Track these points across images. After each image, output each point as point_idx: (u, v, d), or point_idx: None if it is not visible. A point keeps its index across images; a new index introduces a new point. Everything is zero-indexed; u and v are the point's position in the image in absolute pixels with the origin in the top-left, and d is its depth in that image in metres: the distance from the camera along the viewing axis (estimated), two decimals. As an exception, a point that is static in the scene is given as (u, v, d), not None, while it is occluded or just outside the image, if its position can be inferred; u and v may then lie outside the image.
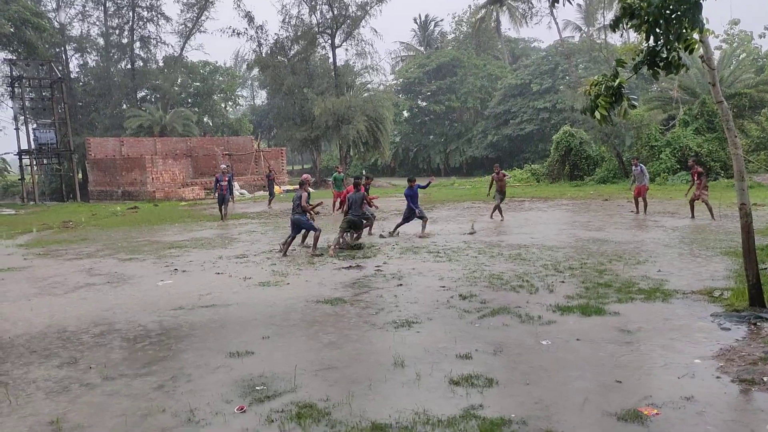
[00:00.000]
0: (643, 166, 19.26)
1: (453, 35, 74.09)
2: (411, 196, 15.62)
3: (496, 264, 11.32)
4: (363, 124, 43.43)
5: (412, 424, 4.75)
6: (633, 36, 29.08)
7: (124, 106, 52.75)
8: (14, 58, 41.86)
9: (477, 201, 25.68)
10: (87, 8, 52.46)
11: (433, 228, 16.41)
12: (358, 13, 46.71)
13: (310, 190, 16.20)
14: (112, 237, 17.77)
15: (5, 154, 49.81)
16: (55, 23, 49.87)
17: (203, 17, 53.58)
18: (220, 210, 21.46)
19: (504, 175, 18.65)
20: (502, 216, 18.33)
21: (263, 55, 48.14)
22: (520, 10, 62.43)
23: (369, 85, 52.81)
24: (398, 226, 15.74)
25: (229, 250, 14.16)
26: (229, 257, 13.13)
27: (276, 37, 48.14)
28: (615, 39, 50.43)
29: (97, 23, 53.59)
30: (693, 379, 5.51)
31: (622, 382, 5.54)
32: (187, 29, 53.73)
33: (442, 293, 9.14)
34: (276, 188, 33.31)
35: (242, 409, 5.18)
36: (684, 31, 6.10)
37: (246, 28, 48.31)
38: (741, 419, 4.81)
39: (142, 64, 54.59)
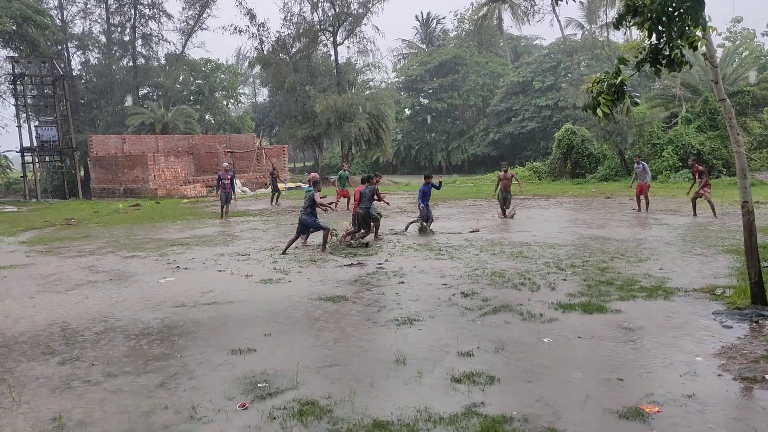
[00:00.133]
0: (645, 164, 19.24)
1: (455, 33, 74.00)
2: (424, 192, 15.57)
3: (497, 261, 11.32)
4: (365, 121, 43.40)
5: (413, 422, 4.75)
6: (636, 33, 29.01)
7: (126, 103, 52.75)
8: (16, 55, 41.85)
9: (479, 199, 25.68)
10: (89, 5, 52.42)
11: (435, 226, 16.37)
12: (360, 11, 46.67)
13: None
14: (114, 234, 17.79)
15: (7, 151, 49.81)
16: (57, 20, 49.86)
17: (205, 15, 53.48)
18: (222, 208, 21.33)
19: (512, 175, 18.50)
20: (504, 213, 18.25)
21: (265, 53, 48.12)
22: (522, 8, 62.27)
23: (371, 83, 52.80)
24: (424, 221, 15.58)
25: (230, 248, 14.17)
26: (231, 255, 13.14)
27: (278, 35, 48.17)
28: (617, 36, 50.51)
29: (99, 20, 53.56)
30: (695, 377, 5.51)
31: (624, 379, 5.54)
32: (189, 27, 53.68)
33: (444, 291, 9.14)
34: (280, 185, 33.34)
35: (244, 406, 5.19)
36: (687, 28, 6.08)
37: (248, 26, 48.36)
38: (743, 417, 4.81)
39: (143, 61, 54.55)
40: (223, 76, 60.06)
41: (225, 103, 62.39)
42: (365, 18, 47.15)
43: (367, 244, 13.79)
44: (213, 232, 17.42)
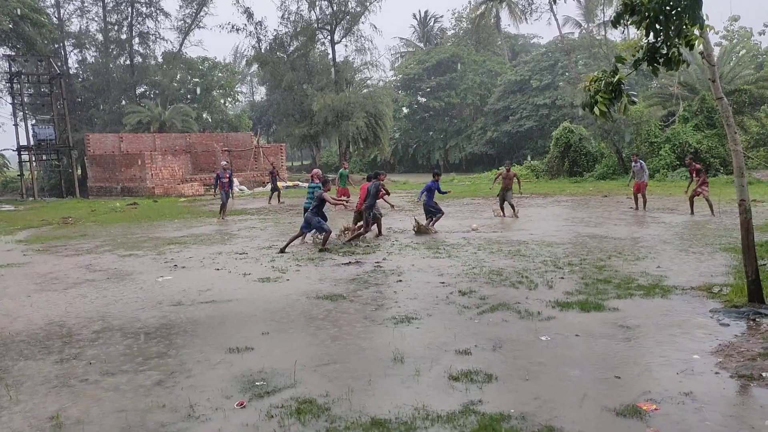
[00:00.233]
0: (643, 163, 19.27)
1: (453, 31, 74.02)
2: (429, 188, 15.54)
3: (495, 260, 11.32)
4: (362, 120, 43.40)
5: (411, 420, 4.76)
6: (633, 32, 29.06)
7: (123, 102, 52.65)
8: (13, 54, 41.75)
9: (477, 197, 25.69)
10: (86, 4, 52.34)
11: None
12: (358, 9, 46.65)
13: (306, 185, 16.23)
14: (112, 233, 17.77)
15: (4, 150, 49.61)
16: (54, 19, 49.75)
17: (202, 13, 53.47)
18: (222, 209, 20.85)
19: (514, 175, 18.44)
20: (503, 212, 18.21)
21: (262, 51, 48.09)
22: (520, 6, 62.41)
23: (368, 81, 52.79)
24: (434, 221, 15.59)
25: (228, 246, 14.16)
26: (229, 253, 13.13)
27: (275, 33, 48.13)
28: (615, 35, 50.56)
29: (96, 19, 53.46)
30: (692, 375, 5.52)
31: (621, 377, 5.55)
32: (186, 25, 53.61)
33: (442, 289, 9.15)
34: (278, 184, 33.26)
35: (242, 404, 5.19)
36: (684, 27, 6.10)
37: (245, 24, 48.33)
38: (740, 415, 4.82)
39: (141, 60, 54.47)
40: (220, 74, 59.99)
41: (222, 101, 62.33)
42: (363, 16, 47.22)
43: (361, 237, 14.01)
44: (211, 231, 17.41)
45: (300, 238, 13.88)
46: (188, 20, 53.41)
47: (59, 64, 47.86)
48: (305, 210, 14.25)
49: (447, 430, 4.58)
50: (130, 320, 8.02)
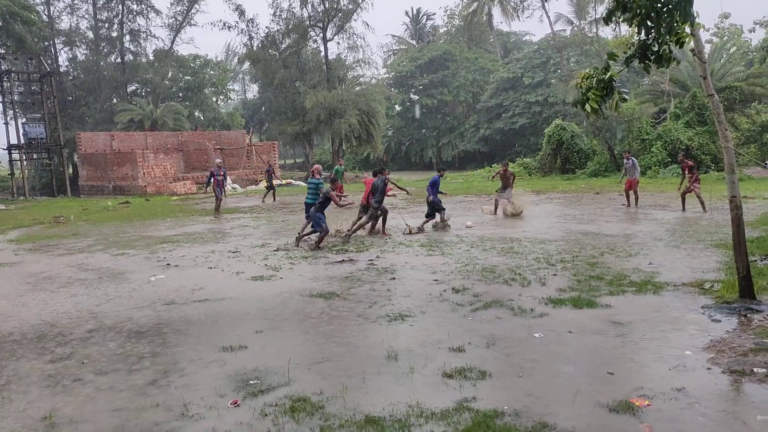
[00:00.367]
0: (635, 160, 19.34)
1: (445, 29, 74.01)
2: (435, 182, 15.54)
3: (488, 257, 11.35)
4: (355, 117, 43.34)
5: (405, 417, 4.76)
6: (624, 29, 29.11)
7: (115, 100, 52.38)
8: (2, 51, 41.47)
9: (469, 195, 25.73)
10: (76, 1, 52.02)
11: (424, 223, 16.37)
12: (350, 6, 46.54)
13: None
14: (104, 232, 17.69)
15: (-6, 149, 49.30)
16: (44, 16, 49.43)
17: (193, 10, 53.21)
18: (218, 206, 20.58)
19: (511, 174, 18.42)
20: (495, 211, 18.13)
21: (254, 49, 47.90)
22: (512, 4, 62.26)
23: (361, 79, 52.70)
24: (441, 219, 15.50)
25: (221, 245, 14.12)
26: (222, 252, 13.10)
27: (267, 31, 47.90)
28: (606, 32, 50.61)
29: (86, 16, 53.12)
30: (684, 371, 5.56)
31: (614, 373, 5.58)
32: (177, 22, 53.36)
33: (435, 287, 9.16)
34: (265, 183, 33.11)
35: (236, 403, 5.19)
36: (675, 24, 6.12)
37: (237, 22, 48.15)
38: (731, 410, 4.86)
39: (132, 57, 54.19)
40: (212, 72, 59.78)
41: (214, 99, 62.12)
42: (355, 14, 47.04)
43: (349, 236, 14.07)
44: (203, 230, 17.36)
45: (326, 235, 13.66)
46: (179, 18, 53.19)
47: (49, 62, 47.59)
48: (306, 205, 14.31)
49: (441, 428, 4.60)
50: (123, 319, 8.00)
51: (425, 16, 72.18)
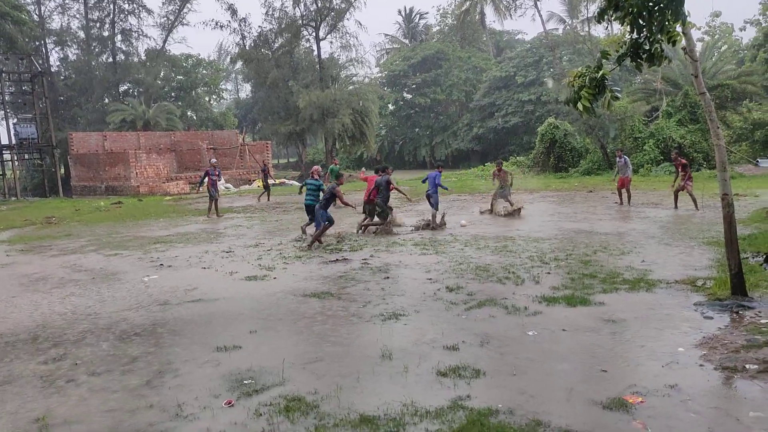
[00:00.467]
0: (627, 158, 19.41)
1: (438, 28, 74.06)
2: (435, 179, 15.55)
3: (482, 256, 11.37)
4: (348, 117, 43.33)
5: (400, 416, 4.77)
6: (617, 28, 29.22)
7: (107, 100, 52.15)
8: (-7, 51, 41.27)
9: (462, 194, 25.75)
10: (67, 1, 51.81)
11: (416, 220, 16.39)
12: (342, 5, 46.56)
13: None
14: (97, 232, 17.62)
15: (-15, 149, 48.97)
16: (35, 16, 49.17)
17: (185, 10, 53.12)
18: (216, 205, 20.48)
19: (506, 172, 18.42)
20: (492, 209, 18.09)
21: (247, 48, 47.86)
22: (505, 2, 62.40)
23: (354, 78, 52.68)
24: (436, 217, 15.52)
25: (215, 245, 14.09)
26: (215, 252, 13.07)
27: (259, 30, 47.91)
28: (599, 31, 50.80)
29: (78, 16, 52.91)
30: (677, 368, 5.58)
31: (608, 371, 5.60)
32: (169, 22, 53.24)
33: (429, 286, 9.17)
34: (260, 182, 33.09)
35: (230, 403, 5.18)
36: (667, 23, 6.14)
37: (229, 21, 48.14)
38: (724, 407, 4.89)
39: (123, 57, 54.00)
40: (204, 71, 59.66)
41: (207, 99, 61.97)
42: (348, 13, 47.10)
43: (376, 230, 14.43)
44: (197, 230, 17.31)
45: (324, 227, 13.57)
46: (171, 17, 53.08)
47: (41, 62, 47.38)
48: (306, 206, 14.35)
49: (435, 426, 4.60)
50: (116, 320, 7.97)
51: (418, 15, 72.22)
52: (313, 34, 47.82)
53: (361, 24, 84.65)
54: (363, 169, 15.08)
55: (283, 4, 47.50)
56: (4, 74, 39.75)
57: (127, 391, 5.57)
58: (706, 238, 12.27)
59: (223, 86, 71.77)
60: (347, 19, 48.91)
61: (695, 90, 8.35)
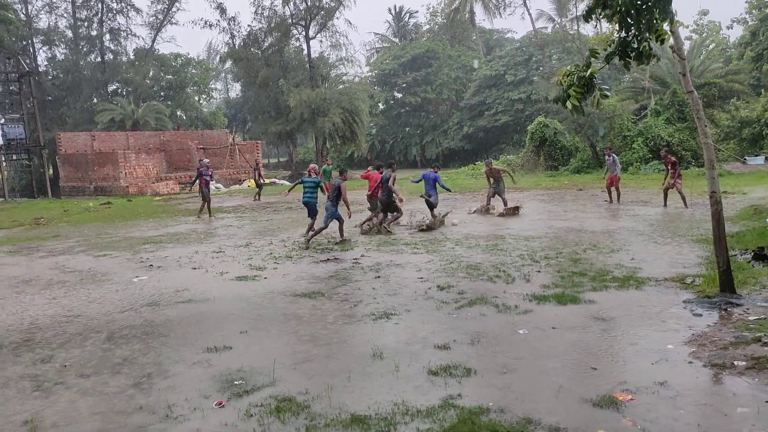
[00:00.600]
0: (615, 156, 19.51)
1: (428, 26, 74.10)
2: (434, 179, 15.55)
3: (473, 255, 11.39)
4: (339, 116, 43.23)
5: (391, 415, 4.77)
6: (606, 26, 29.32)
7: (95, 99, 51.80)
8: (-21, 51, 40.87)
9: (455, 192, 25.74)
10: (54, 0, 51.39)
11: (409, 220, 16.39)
12: (332, 4, 46.44)
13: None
14: (86, 233, 17.50)
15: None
16: (22, 15, 48.74)
17: (174, 8, 52.79)
18: (209, 206, 20.22)
19: (498, 170, 18.42)
20: (488, 205, 18.04)
21: (236, 48, 47.65)
22: (494, 1, 62.56)
23: (344, 77, 52.58)
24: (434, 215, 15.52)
25: (205, 245, 14.03)
26: (206, 252, 13.02)
27: (249, 29, 47.70)
28: (588, 30, 50.94)
29: (65, 15, 52.47)
30: (666, 365, 5.62)
31: (598, 369, 5.63)
32: (158, 21, 52.89)
33: (420, 284, 9.17)
34: (251, 182, 32.97)
35: (221, 404, 5.16)
36: (655, 21, 6.18)
37: (218, 20, 47.85)
38: (713, 403, 4.92)
39: (112, 57, 53.63)
40: (194, 71, 59.33)
41: (197, 98, 61.67)
42: (337, 11, 46.99)
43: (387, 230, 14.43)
44: (187, 230, 17.23)
45: (339, 224, 13.57)
46: (160, 16, 52.74)
47: (28, 61, 46.98)
48: (306, 205, 14.37)
49: (426, 425, 4.61)
50: (105, 321, 7.92)
51: (408, 14, 72.19)
52: (303, 33, 47.69)
53: (351, 23, 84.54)
54: (370, 167, 15.09)
55: (272, 2, 47.23)
56: (-10, 74, 39.42)
57: (117, 393, 5.54)
58: (695, 235, 12.35)
59: (213, 85, 71.50)
60: (337, 17, 48.80)
61: (683, 88, 8.39)
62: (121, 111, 47.97)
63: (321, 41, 57.65)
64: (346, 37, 64.09)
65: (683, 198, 16.87)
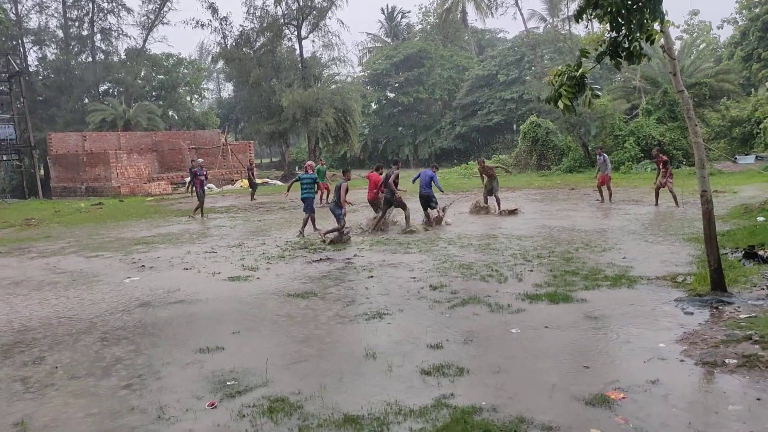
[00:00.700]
0: (606, 156, 19.59)
1: (420, 26, 74.13)
2: (431, 179, 15.56)
3: (465, 254, 11.40)
4: (331, 116, 43.17)
5: (384, 415, 4.77)
6: (597, 26, 29.43)
7: (86, 100, 51.53)
8: (-31, 51, 40.61)
9: (447, 192, 25.75)
10: (44, -1, 51.11)
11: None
12: (324, 4, 46.37)
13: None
14: (77, 234, 17.41)
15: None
16: (12, 15, 48.44)
17: (165, 8, 52.61)
18: (200, 206, 20.17)
19: (490, 167, 18.46)
20: (486, 202, 18.05)
21: (228, 48, 47.50)
22: (486, 1, 62.66)
23: (337, 77, 52.49)
24: (431, 215, 15.52)
25: (197, 246, 13.99)
26: (198, 253, 12.97)
27: (241, 29, 47.54)
28: (579, 29, 51.18)
29: (56, 15, 52.20)
30: (658, 363, 5.64)
31: (590, 367, 5.65)
32: (149, 21, 52.71)
33: (413, 284, 9.18)
34: (243, 182, 32.89)
35: (213, 404, 5.14)
36: (645, 21, 6.20)
37: (210, 20, 47.65)
38: (704, 401, 4.95)
39: (103, 57, 53.40)
40: (186, 71, 59.11)
41: (188, 98, 61.46)
42: (330, 11, 46.93)
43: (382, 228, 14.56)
44: (179, 230, 17.17)
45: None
46: (151, 16, 52.56)
47: (18, 61, 46.67)
48: (304, 201, 14.65)
49: (419, 425, 4.61)
50: (96, 323, 7.88)
51: (400, 14, 72.16)
52: (295, 33, 47.60)
53: (343, 23, 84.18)
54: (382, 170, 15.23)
55: (264, 2, 47.42)
56: (-20, 74, 39.15)
57: (108, 394, 5.51)
58: (686, 234, 12.41)
59: (205, 86, 71.23)
60: (329, 17, 48.81)
61: (674, 88, 8.43)
62: (113, 111, 47.73)
63: (313, 41, 57.79)
64: (339, 37, 64.08)
65: (674, 197, 16.95)
